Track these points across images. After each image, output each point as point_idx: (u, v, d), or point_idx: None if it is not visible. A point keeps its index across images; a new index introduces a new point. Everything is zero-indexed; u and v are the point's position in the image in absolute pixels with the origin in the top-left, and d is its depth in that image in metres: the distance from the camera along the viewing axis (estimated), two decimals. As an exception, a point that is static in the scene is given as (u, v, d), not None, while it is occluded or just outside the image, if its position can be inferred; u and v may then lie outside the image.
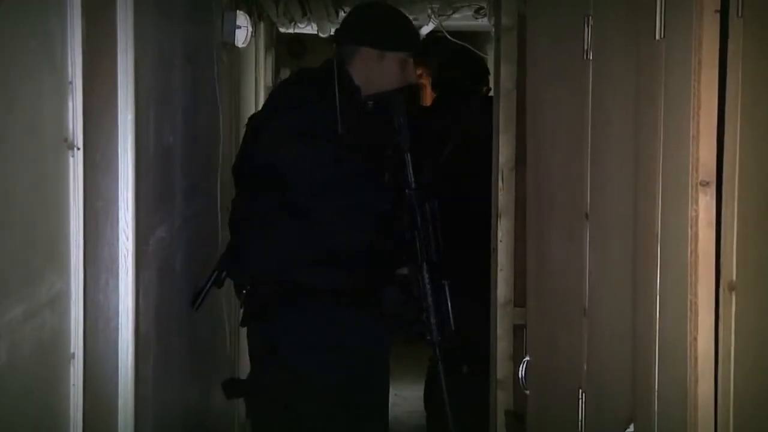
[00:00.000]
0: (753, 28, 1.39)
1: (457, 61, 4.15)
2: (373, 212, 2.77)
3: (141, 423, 2.28)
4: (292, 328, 2.76)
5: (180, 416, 2.93)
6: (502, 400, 3.07)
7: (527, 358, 2.50)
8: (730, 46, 1.40)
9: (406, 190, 2.83)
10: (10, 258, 1.52)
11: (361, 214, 2.74)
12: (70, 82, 1.74)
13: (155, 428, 2.50)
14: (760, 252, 1.42)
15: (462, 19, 4.96)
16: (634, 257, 1.65)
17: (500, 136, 3.04)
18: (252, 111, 4.19)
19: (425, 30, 4.81)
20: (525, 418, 2.69)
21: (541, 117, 2.43)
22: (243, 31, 3.73)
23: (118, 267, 2.17)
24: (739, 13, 1.39)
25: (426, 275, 2.85)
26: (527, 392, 2.51)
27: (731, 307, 1.41)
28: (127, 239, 2.19)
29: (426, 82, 4.48)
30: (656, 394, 1.55)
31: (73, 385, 1.77)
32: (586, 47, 1.93)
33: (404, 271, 2.90)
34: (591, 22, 1.91)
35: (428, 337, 2.87)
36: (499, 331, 3.05)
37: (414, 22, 3.32)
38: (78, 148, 1.75)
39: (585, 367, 1.96)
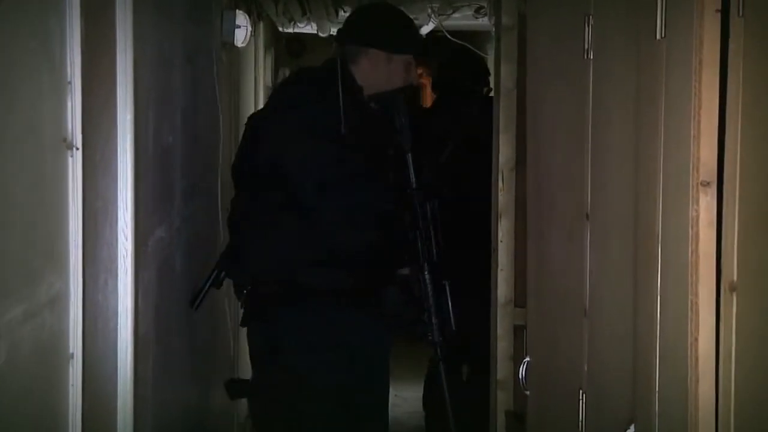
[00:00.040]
0: (754, 28, 1.39)
1: (457, 61, 4.16)
2: (376, 212, 2.77)
3: (140, 423, 2.27)
4: (293, 328, 2.75)
5: (179, 416, 2.93)
6: (502, 400, 3.07)
7: (527, 359, 2.50)
8: (731, 46, 1.40)
9: (407, 191, 2.83)
10: (10, 258, 1.51)
11: (363, 214, 2.74)
12: (69, 82, 1.74)
13: (154, 428, 2.49)
14: (761, 252, 1.41)
15: (462, 19, 4.96)
16: (634, 257, 1.64)
17: (500, 136, 3.04)
18: (251, 111, 4.19)
19: (425, 30, 4.81)
20: (525, 418, 2.69)
21: (542, 117, 2.43)
22: (242, 31, 3.72)
23: (117, 267, 2.17)
24: (740, 13, 1.39)
25: (427, 275, 2.85)
26: (527, 393, 2.51)
27: (732, 307, 1.41)
28: (126, 239, 2.18)
29: (426, 82, 4.48)
30: (657, 394, 1.55)
31: (72, 385, 1.77)
32: (586, 47, 1.93)
33: (405, 271, 2.90)
34: (591, 22, 1.91)
35: (430, 337, 2.87)
36: (499, 331, 3.04)
37: (414, 22, 3.32)
38: (77, 148, 1.75)
39: (585, 368, 1.96)
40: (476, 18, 4.86)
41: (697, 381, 1.42)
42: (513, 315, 3.03)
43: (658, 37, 1.52)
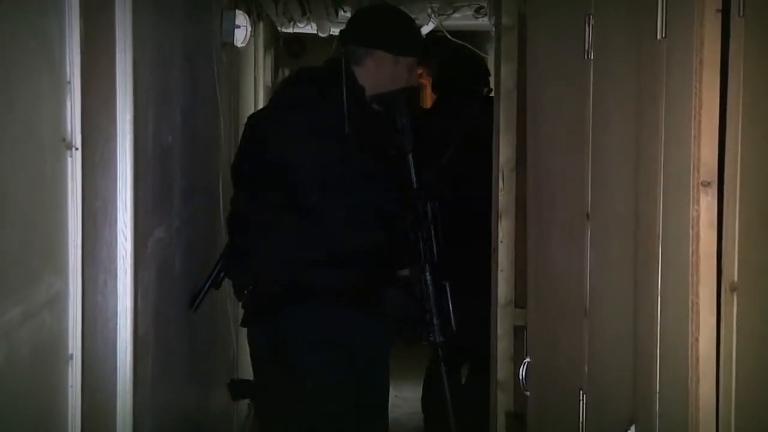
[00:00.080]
0: (754, 28, 1.39)
1: (457, 62, 4.16)
2: (379, 212, 2.77)
3: (139, 424, 2.27)
4: (296, 328, 2.75)
5: (179, 417, 2.92)
6: (502, 401, 3.06)
7: (528, 359, 2.49)
8: (732, 46, 1.40)
9: (409, 191, 2.83)
10: (9, 258, 1.51)
11: (366, 214, 2.74)
12: (69, 82, 1.73)
13: (154, 429, 2.49)
14: (762, 252, 1.41)
15: (462, 19, 4.96)
16: (635, 257, 1.64)
17: (501, 136, 3.04)
18: (251, 111, 4.18)
19: (425, 30, 4.81)
20: (525, 419, 2.69)
21: (542, 117, 2.43)
22: (242, 31, 3.72)
23: (116, 268, 2.16)
24: (741, 13, 1.39)
25: (428, 276, 2.85)
26: (528, 393, 2.51)
27: (733, 307, 1.41)
28: (126, 240, 2.18)
29: (426, 82, 4.48)
30: (657, 394, 1.54)
31: (71, 386, 1.76)
32: (587, 47, 1.92)
33: (405, 272, 2.90)
34: (592, 22, 1.91)
35: (431, 338, 2.88)
36: (499, 331, 3.04)
37: (416, 23, 3.33)
38: (76, 148, 1.75)
39: (586, 368, 1.95)
40: (476, 18, 4.86)
41: (698, 381, 1.41)
42: (513, 315, 3.03)
43: (658, 37, 1.52)
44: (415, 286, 2.88)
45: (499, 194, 3.04)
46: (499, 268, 3.05)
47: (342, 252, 2.71)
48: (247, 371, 4.23)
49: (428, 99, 5.08)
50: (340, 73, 2.77)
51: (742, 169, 1.40)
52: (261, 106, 4.80)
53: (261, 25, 5.03)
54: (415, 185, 2.83)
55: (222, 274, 2.94)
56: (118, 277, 2.17)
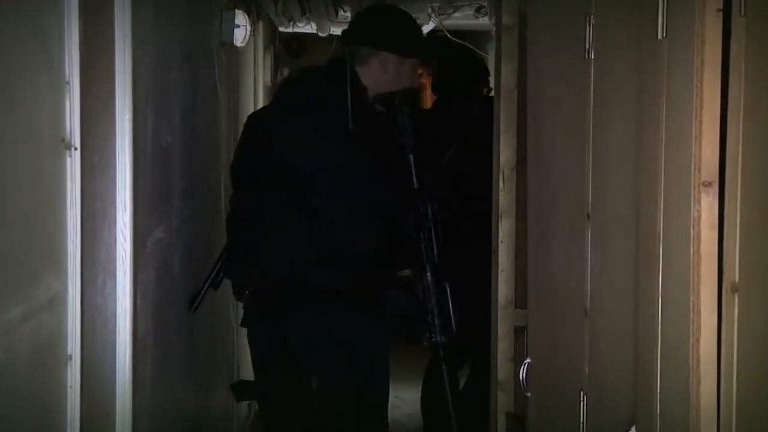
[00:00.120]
0: (755, 28, 1.38)
1: (457, 62, 4.15)
2: (383, 212, 2.77)
3: (139, 424, 2.27)
4: (301, 328, 2.74)
5: (178, 418, 2.92)
6: (502, 401, 3.06)
7: (528, 360, 2.49)
8: (733, 46, 1.39)
9: (410, 191, 2.84)
10: (8, 259, 1.51)
11: (371, 214, 2.73)
12: (68, 82, 1.73)
13: (153, 430, 2.49)
14: (763, 253, 1.41)
15: (462, 18, 4.96)
16: (636, 258, 1.63)
17: (501, 136, 3.04)
18: (251, 110, 4.18)
19: (426, 29, 4.80)
20: (526, 420, 2.68)
21: (542, 117, 2.42)
22: (242, 31, 3.71)
23: (115, 268, 2.16)
24: (742, 12, 1.38)
25: (429, 277, 2.86)
26: (528, 394, 2.50)
27: (734, 308, 1.41)
28: (125, 240, 2.17)
29: (426, 81, 4.48)
30: (658, 395, 1.54)
31: (71, 386, 1.76)
32: (587, 46, 1.92)
33: (406, 272, 2.90)
34: (592, 21, 1.91)
35: (434, 339, 2.88)
36: (499, 332, 3.04)
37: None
38: (75, 149, 1.74)
39: (586, 369, 1.95)
40: (477, 17, 4.86)
41: (699, 382, 1.41)
42: (513, 316, 3.02)
43: (659, 36, 1.52)
44: (416, 287, 2.88)
45: (500, 194, 3.04)
46: (500, 269, 3.05)
47: (346, 252, 2.71)
48: (247, 372, 4.22)
49: (428, 99, 5.08)
50: (344, 73, 2.78)
51: (743, 170, 1.39)
52: (261, 105, 4.80)
53: (260, 24, 5.03)
54: (415, 185, 2.83)
55: (221, 275, 2.94)
56: (118, 278, 2.17)
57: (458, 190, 3.60)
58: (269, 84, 5.60)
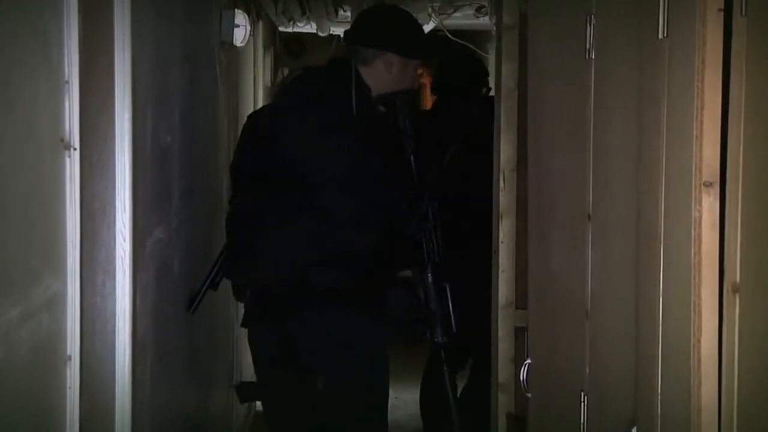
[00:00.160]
0: (757, 27, 1.38)
1: (456, 62, 4.14)
2: (388, 212, 2.77)
3: (138, 425, 2.26)
4: (307, 328, 2.74)
5: (178, 418, 2.91)
6: (503, 402, 3.05)
7: (528, 361, 2.48)
8: (734, 46, 1.39)
9: (411, 192, 2.84)
10: (7, 259, 1.50)
11: (375, 215, 2.73)
12: (67, 82, 1.73)
13: (153, 430, 2.48)
14: (764, 253, 1.40)
15: (463, 18, 4.96)
16: (636, 258, 1.63)
17: (501, 136, 3.03)
18: (251, 110, 4.17)
19: (426, 29, 4.80)
20: (526, 420, 2.68)
21: (543, 116, 2.42)
22: (241, 30, 3.71)
23: (114, 268, 2.15)
24: (743, 12, 1.38)
25: (430, 277, 2.86)
26: (528, 395, 2.50)
27: (735, 308, 1.40)
28: (124, 240, 2.17)
29: (426, 81, 4.47)
30: (659, 396, 1.54)
31: (70, 387, 1.76)
32: (588, 46, 1.92)
33: (407, 273, 2.90)
34: (593, 21, 1.90)
35: (436, 339, 2.88)
36: (500, 333, 3.03)
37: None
38: (74, 149, 1.74)
39: (587, 370, 1.95)
40: (477, 17, 4.86)
41: (700, 382, 1.41)
42: (514, 317, 3.02)
43: (660, 36, 1.51)
44: (417, 287, 2.88)
45: (500, 194, 3.03)
46: (500, 269, 3.04)
47: (349, 252, 2.70)
48: (247, 372, 4.22)
49: (428, 100, 5.07)
50: (347, 73, 2.78)
51: (744, 170, 1.39)
52: (260, 105, 4.79)
53: (260, 24, 5.03)
54: (416, 186, 2.84)
55: (220, 275, 2.93)
56: (117, 278, 2.16)
57: (458, 190, 3.60)
58: (269, 84, 5.60)
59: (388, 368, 2.96)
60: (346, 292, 2.73)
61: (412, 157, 2.83)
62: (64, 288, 1.73)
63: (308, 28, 5.47)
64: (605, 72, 1.85)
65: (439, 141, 3.77)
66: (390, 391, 2.99)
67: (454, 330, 2.89)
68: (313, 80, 2.88)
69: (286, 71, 6.10)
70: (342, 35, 3.08)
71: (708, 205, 1.39)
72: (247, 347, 2.97)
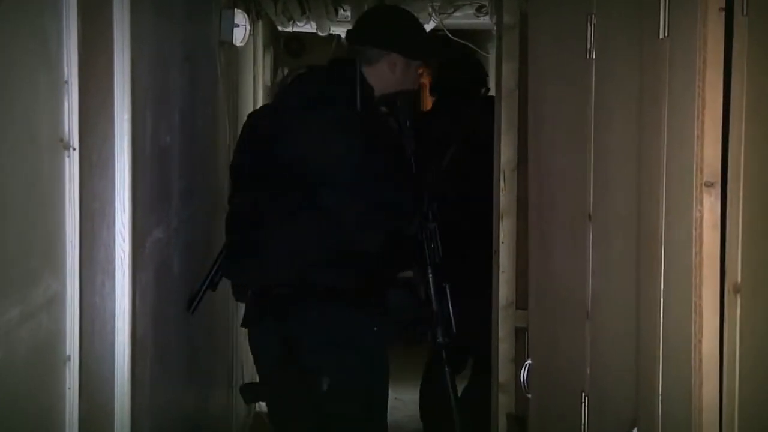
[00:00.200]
0: (758, 27, 1.37)
1: (455, 62, 4.14)
2: (392, 212, 2.77)
3: (138, 425, 2.26)
4: (311, 328, 2.73)
5: (178, 418, 2.91)
6: (503, 403, 3.05)
7: (529, 361, 2.48)
8: (735, 45, 1.38)
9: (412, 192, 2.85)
10: (6, 259, 1.50)
11: (381, 215, 2.73)
12: (66, 82, 1.72)
13: (152, 430, 2.48)
14: (765, 253, 1.40)
15: (463, 18, 4.95)
16: (637, 259, 1.63)
17: (502, 136, 3.03)
18: (250, 110, 4.16)
19: (426, 28, 4.79)
20: (527, 421, 2.68)
21: (543, 116, 2.42)
22: (241, 30, 3.70)
23: (114, 269, 2.15)
24: (744, 12, 1.37)
25: (431, 277, 2.86)
26: (529, 395, 2.50)
27: (736, 309, 1.40)
28: (124, 241, 2.17)
29: (426, 81, 4.47)
30: (660, 396, 1.53)
31: (69, 387, 1.75)
32: (588, 46, 1.91)
33: (408, 273, 2.90)
34: (594, 21, 1.90)
35: (438, 339, 2.88)
36: (500, 333, 3.03)
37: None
38: (74, 149, 1.74)
39: (588, 370, 1.94)
40: (477, 17, 4.86)
41: (701, 383, 1.40)
42: (514, 317, 3.01)
43: (661, 36, 1.51)
44: (417, 287, 2.88)
45: (501, 194, 3.03)
46: (501, 269, 3.04)
47: (353, 252, 2.70)
48: (248, 372, 4.22)
49: (427, 100, 5.07)
50: (351, 73, 2.78)
51: (745, 170, 1.39)
52: (260, 105, 4.79)
53: (260, 24, 5.02)
54: (417, 186, 2.84)
55: (219, 275, 2.93)
56: (116, 278, 2.16)
57: (458, 190, 3.60)
58: (269, 84, 5.59)
59: (388, 368, 2.96)
60: (347, 292, 2.72)
61: (412, 158, 2.84)
62: (64, 288, 1.73)
63: (308, 27, 5.47)
64: (606, 72, 1.85)
65: (439, 141, 3.78)
66: (390, 392, 2.99)
67: (454, 330, 2.89)
68: (315, 80, 2.88)
69: (285, 71, 6.10)
70: (344, 35, 3.09)
71: (709, 206, 1.39)
72: (248, 347, 2.97)
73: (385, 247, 2.75)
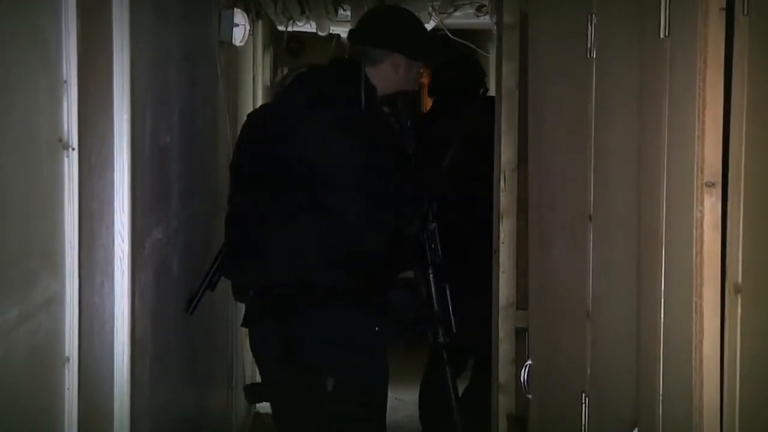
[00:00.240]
0: (759, 27, 1.37)
1: (454, 63, 4.14)
2: (395, 213, 2.77)
3: (137, 426, 2.26)
4: (316, 328, 2.73)
5: (177, 419, 2.91)
6: (504, 403, 3.05)
7: (529, 362, 2.48)
8: (736, 45, 1.38)
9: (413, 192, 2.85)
10: (5, 259, 1.50)
11: (385, 215, 2.73)
12: (65, 82, 1.72)
13: (151, 431, 2.47)
14: (766, 254, 1.40)
15: (463, 17, 4.95)
16: (638, 259, 1.62)
17: (502, 136, 3.03)
18: (250, 109, 4.16)
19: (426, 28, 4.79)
20: (527, 422, 2.67)
21: (543, 116, 2.41)
22: (241, 30, 3.70)
23: (113, 269, 2.14)
24: (745, 12, 1.37)
25: (432, 278, 2.87)
26: (529, 396, 2.49)
27: (737, 309, 1.40)
28: (123, 241, 2.16)
29: (425, 82, 4.47)
30: (661, 397, 1.53)
31: (68, 388, 1.75)
32: (589, 45, 1.91)
33: (409, 273, 2.90)
34: (594, 20, 1.90)
35: (439, 340, 2.88)
36: (501, 334, 3.03)
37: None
38: (73, 149, 1.73)
39: (588, 371, 1.94)
40: (477, 16, 4.85)
41: (702, 383, 1.40)
42: (515, 317, 3.01)
43: (661, 35, 1.50)
44: (418, 288, 2.88)
45: (501, 195, 3.03)
46: (501, 270, 3.03)
47: (356, 252, 2.70)
48: (249, 372, 4.21)
49: (426, 101, 5.07)
50: (357, 72, 2.78)
51: (746, 170, 1.38)
52: (260, 105, 4.78)
53: (260, 23, 5.02)
54: (417, 186, 2.84)
55: (218, 275, 2.92)
56: (116, 279, 2.15)
57: (458, 190, 3.60)
58: (268, 83, 5.59)
59: (387, 369, 2.96)
60: (348, 292, 2.72)
61: (413, 158, 2.84)
62: (63, 288, 1.72)
63: (308, 27, 5.47)
64: (606, 71, 1.85)
65: (439, 142, 3.78)
66: (390, 392, 2.99)
67: (455, 330, 2.89)
68: (318, 79, 2.87)
69: (285, 70, 6.09)
70: (347, 35, 3.08)
71: (710, 206, 1.39)
72: (248, 347, 2.96)
73: (386, 248, 2.75)
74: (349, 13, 4.98)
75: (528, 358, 2.52)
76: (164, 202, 2.70)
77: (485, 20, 4.82)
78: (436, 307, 2.88)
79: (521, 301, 2.94)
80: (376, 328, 2.80)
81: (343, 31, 5.61)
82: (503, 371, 3.04)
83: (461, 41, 4.57)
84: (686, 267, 1.42)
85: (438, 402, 3.14)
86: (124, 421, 2.17)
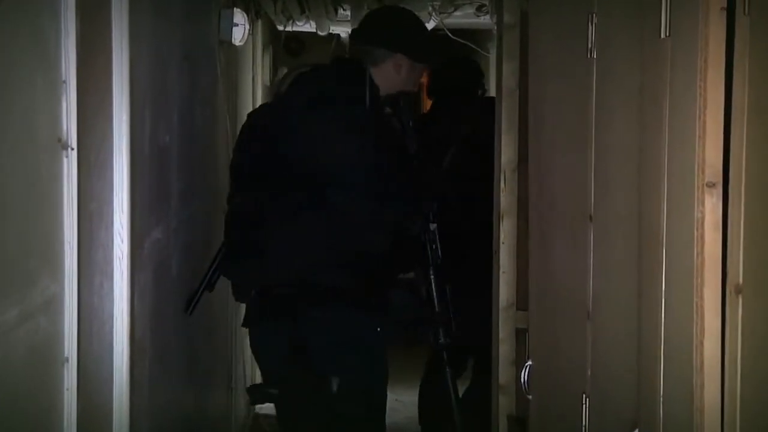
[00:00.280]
0: (760, 27, 1.37)
1: (453, 64, 4.14)
2: (399, 213, 2.77)
3: (136, 427, 2.25)
4: (314, 329, 2.72)
5: (177, 419, 2.90)
6: (504, 404, 3.04)
7: (530, 362, 2.47)
8: (737, 45, 1.38)
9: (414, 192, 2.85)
10: (4, 260, 1.49)
11: (388, 215, 2.73)
12: (64, 81, 1.72)
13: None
14: (767, 254, 1.39)
15: (463, 17, 4.95)
16: (639, 259, 1.62)
17: (502, 136, 3.02)
18: (250, 109, 4.16)
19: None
20: (527, 422, 2.67)
21: (544, 116, 2.41)
22: (240, 29, 3.70)
23: (112, 269, 2.14)
24: (746, 11, 1.37)
25: (433, 278, 2.87)
26: (530, 397, 2.49)
27: (738, 310, 1.39)
28: (122, 241, 2.16)
29: (424, 81, 4.47)
30: (661, 398, 1.53)
31: (67, 389, 1.75)
32: (589, 45, 1.91)
33: (410, 274, 2.90)
34: (595, 20, 1.89)
35: (440, 340, 2.89)
36: (501, 334, 3.02)
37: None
38: (72, 149, 1.73)
39: (589, 371, 1.94)
40: (478, 16, 4.85)
41: (703, 384, 1.40)
42: (515, 318, 3.01)
43: (662, 35, 1.50)
44: (419, 288, 2.88)
45: (501, 195, 3.02)
46: (501, 270, 3.03)
47: (359, 252, 2.69)
48: (249, 372, 4.21)
49: (426, 101, 5.07)
50: (361, 72, 2.78)
51: (747, 170, 1.38)
52: (259, 104, 4.78)
53: (259, 23, 5.02)
54: (418, 186, 2.84)
55: (217, 275, 2.92)
56: (115, 279, 2.15)
57: (459, 191, 3.60)
58: (268, 83, 5.59)
59: (387, 369, 2.96)
60: (349, 292, 2.72)
61: (413, 158, 2.84)
62: (62, 289, 1.72)
63: (307, 27, 5.47)
64: (607, 71, 1.84)
65: (439, 142, 3.78)
66: (390, 393, 2.99)
67: (455, 331, 2.89)
68: (320, 79, 2.87)
69: (285, 70, 6.09)
70: (349, 35, 3.09)
71: (710, 206, 1.38)
72: (248, 347, 2.96)
73: (389, 248, 2.75)
74: (348, 12, 4.98)
75: (528, 358, 2.51)
76: (164, 203, 2.70)
77: (485, 20, 4.82)
78: (436, 308, 2.88)
79: (521, 302, 2.94)
80: (378, 329, 2.80)
81: (342, 30, 5.61)
82: (503, 372, 3.03)
83: (461, 41, 4.57)
84: (687, 267, 1.41)
85: (438, 402, 3.14)
86: (124, 421, 2.17)
